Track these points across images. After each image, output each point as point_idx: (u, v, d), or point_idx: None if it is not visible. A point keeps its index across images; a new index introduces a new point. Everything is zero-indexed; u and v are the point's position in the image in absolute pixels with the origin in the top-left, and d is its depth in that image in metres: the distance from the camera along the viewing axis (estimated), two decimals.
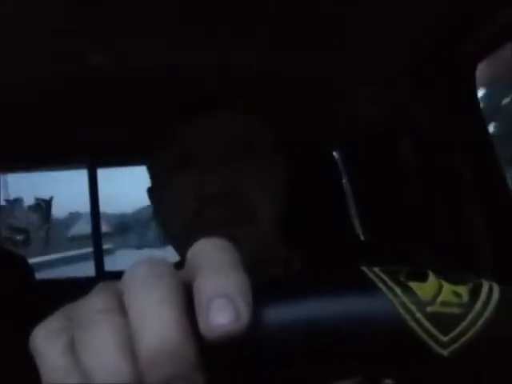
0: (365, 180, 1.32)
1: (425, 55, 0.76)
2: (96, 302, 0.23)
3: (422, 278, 0.22)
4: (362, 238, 1.33)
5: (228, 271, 0.22)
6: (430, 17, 0.65)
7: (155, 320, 0.21)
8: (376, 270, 0.23)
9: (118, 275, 0.25)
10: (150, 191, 0.69)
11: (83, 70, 0.66)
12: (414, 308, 0.21)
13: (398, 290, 0.22)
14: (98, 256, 1.87)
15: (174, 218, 0.61)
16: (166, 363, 0.20)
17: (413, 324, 0.21)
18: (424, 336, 0.21)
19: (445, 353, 0.21)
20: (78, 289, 0.26)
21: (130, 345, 0.21)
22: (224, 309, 0.20)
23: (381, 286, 0.22)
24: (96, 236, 1.88)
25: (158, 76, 0.67)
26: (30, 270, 1.15)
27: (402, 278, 0.22)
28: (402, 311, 0.21)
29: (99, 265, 1.87)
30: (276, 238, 0.63)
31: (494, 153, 0.79)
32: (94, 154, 1.26)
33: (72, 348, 0.22)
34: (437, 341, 0.21)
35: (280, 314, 0.22)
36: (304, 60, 0.70)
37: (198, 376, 0.20)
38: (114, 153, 1.25)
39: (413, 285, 0.22)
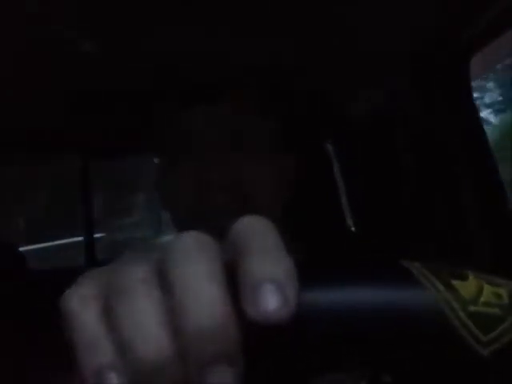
0: (357, 172, 1.32)
1: (420, 48, 0.76)
2: (135, 271, 0.22)
3: (463, 277, 0.23)
4: (353, 229, 1.34)
5: (276, 255, 0.22)
6: (423, 14, 0.66)
7: (203, 295, 0.20)
8: (417, 265, 0.23)
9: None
10: (156, 178, 0.70)
11: (76, 58, 0.66)
12: (456, 306, 0.21)
13: (441, 287, 0.22)
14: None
15: (176, 205, 0.62)
16: (212, 341, 0.20)
17: (455, 321, 0.21)
18: (465, 334, 0.21)
19: (485, 352, 0.21)
20: (69, 278, 0.26)
21: (171, 318, 0.20)
22: (273, 294, 0.20)
23: (423, 280, 0.22)
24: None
25: (157, 65, 0.67)
26: (22, 258, 1.14)
27: (444, 276, 0.22)
28: (445, 308, 0.21)
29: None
30: (277, 227, 0.63)
31: (488, 148, 0.79)
32: (87, 147, 1.26)
33: (108, 315, 0.22)
34: (477, 340, 0.21)
35: (323, 300, 0.22)
36: (299, 50, 0.70)
37: (239, 357, 0.20)
38: (109, 144, 1.24)
39: (455, 283, 0.22)
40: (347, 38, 0.69)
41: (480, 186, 0.78)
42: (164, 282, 0.22)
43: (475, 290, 0.22)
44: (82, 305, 0.22)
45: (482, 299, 0.22)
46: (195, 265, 0.21)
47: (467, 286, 0.22)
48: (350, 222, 1.37)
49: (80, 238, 1.92)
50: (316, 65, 0.78)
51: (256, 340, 0.20)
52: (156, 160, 0.70)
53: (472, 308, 0.21)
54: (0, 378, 0.70)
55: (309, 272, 0.22)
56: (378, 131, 1.15)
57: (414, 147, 0.93)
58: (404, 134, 0.98)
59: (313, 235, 0.74)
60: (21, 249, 1.65)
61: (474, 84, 0.80)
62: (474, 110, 0.80)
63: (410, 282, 0.22)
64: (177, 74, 0.66)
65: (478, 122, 0.80)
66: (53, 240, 4.59)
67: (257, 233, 0.23)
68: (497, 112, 7.97)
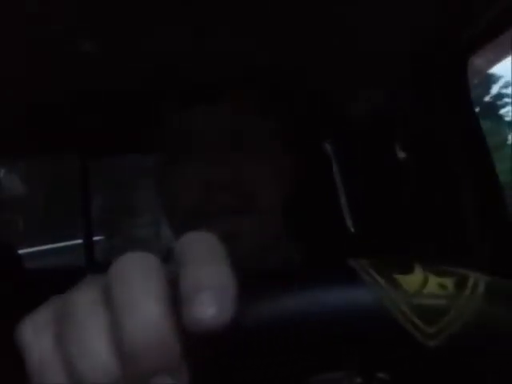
0: (356, 172, 1.32)
1: (419, 48, 0.76)
2: (82, 296, 0.23)
3: (408, 270, 0.23)
4: (352, 230, 1.34)
5: (212, 264, 0.22)
6: (423, 14, 0.66)
7: (138, 312, 0.21)
8: (362, 262, 0.23)
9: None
10: (155, 178, 0.70)
11: (76, 58, 0.66)
12: (399, 300, 0.21)
13: (383, 282, 0.22)
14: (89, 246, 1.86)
15: (177, 206, 0.62)
16: (150, 356, 0.20)
17: (398, 316, 0.21)
18: (409, 327, 0.21)
19: (430, 344, 0.21)
20: (67, 278, 0.26)
21: (116, 338, 0.21)
22: (206, 303, 0.20)
23: (366, 278, 0.22)
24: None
25: (157, 64, 0.67)
26: (18, 260, 1.14)
27: (387, 271, 0.22)
28: (387, 303, 0.21)
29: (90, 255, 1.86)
30: (277, 226, 0.64)
31: (486, 146, 0.79)
32: (86, 145, 1.26)
33: (60, 342, 0.22)
34: (422, 332, 0.21)
35: (264, 306, 0.22)
36: (298, 50, 0.70)
37: (182, 368, 0.21)
38: (107, 144, 1.24)
39: (398, 277, 0.22)
40: (347, 38, 0.69)
41: (478, 186, 0.78)
42: (109, 304, 0.22)
43: (419, 282, 0.22)
44: (35, 333, 0.23)
45: (426, 291, 0.22)
46: (132, 283, 0.21)
47: (411, 279, 0.22)
48: (349, 222, 1.36)
49: (79, 241, 1.92)
50: (316, 65, 0.78)
51: (198, 350, 0.21)
52: (155, 160, 0.70)
53: (415, 301, 0.21)
54: (0, 378, 0.69)
55: (251, 279, 0.23)
56: (378, 131, 1.15)
57: (414, 147, 0.93)
58: (403, 133, 0.98)
59: (312, 235, 0.74)
60: (20, 251, 1.65)
61: None
62: (473, 110, 0.80)
63: (353, 280, 0.22)
64: (177, 74, 0.66)
65: (477, 122, 0.80)
66: (52, 242, 4.59)
67: (195, 246, 0.24)
68: None
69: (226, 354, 0.22)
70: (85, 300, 0.22)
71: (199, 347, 0.21)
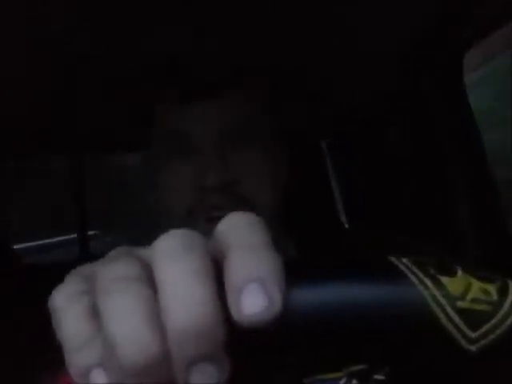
0: (351, 170, 1.32)
1: (413, 43, 0.76)
2: (122, 268, 0.22)
3: (451, 273, 0.22)
4: (347, 225, 1.34)
5: (262, 252, 0.21)
6: (419, 5, 0.66)
7: (189, 295, 0.20)
8: (405, 260, 0.23)
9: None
10: (149, 179, 0.69)
11: (72, 56, 0.66)
12: (444, 302, 0.21)
13: (429, 283, 0.22)
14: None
15: (172, 205, 0.61)
16: (197, 342, 0.19)
17: (442, 318, 0.21)
18: (453, 330, 0.21)
19: (472, 348, 0.21)
20: (63, 272, 0.26)
21: (156, 317, 0.20)
22: (257, 294, 0.20)
23: (411, 276, 0.22)
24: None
25: (152, 65, 0.67)
26: (15, 256, 1.14)
27: (431, 271, 0.22)
28: (432, 304, 0.21)
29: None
30: (274, 227, 0.63)
31: (480, 141, 0.80)
32: (81, 143, 1.26)
33: (94, 313, 0.21)
34: (465, 336, 0.21)
35: (309, 297, 0.21)
36: (297, 50, 0.70)
37: (225, 358, 0.20)
38: (103, 141, 1.24)
39: (443, 279, 0.22)
40: (346, 38, 0.70)
41: (474, 186, 0.78)
42: (149, 281, 0.21)
43: (463, 286, 0.22)
44: (69, 302, 0.22)
45: (470, 295, 0.22)
46: (182, 263, 0.20)
47: (455, 282, 0.22)
48: (343, 218, 1.37)
49: (74, 235, 1.92)
50: (315, 64, 0.78)
51: (242, 340, 0.20)
52: (147, 159, 0.69)
53: (460, 304, 0.21)
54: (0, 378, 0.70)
55: (295, 271, 0.22)
56: (373, 129, 1.15)
57: (410, 145, 0.94)
58: (400, 132, 0.98)
59: (307, 232, 0.75)
60: (15, 247, 1.65)
61: None
62: (470, 109, 0.80)
63: (398, 278, 0.22)
64: (173, 74, 0.66)
65: (474, 122, 0.80)
66: (47, 237, 4.57)
67: (242, 229, 0.22)
68: None
69: (269, 345, 0.21)
70: (124, 273, 0.21)
71: (242, 336, 0.20)
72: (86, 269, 0.25)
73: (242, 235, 0.22)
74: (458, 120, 0.79)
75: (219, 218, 0.24)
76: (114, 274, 0.21)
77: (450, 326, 0.21)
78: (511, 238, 0.79)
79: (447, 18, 0.69)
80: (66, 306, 0.22)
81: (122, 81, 0.74)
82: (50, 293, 0.23)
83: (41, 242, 4.32)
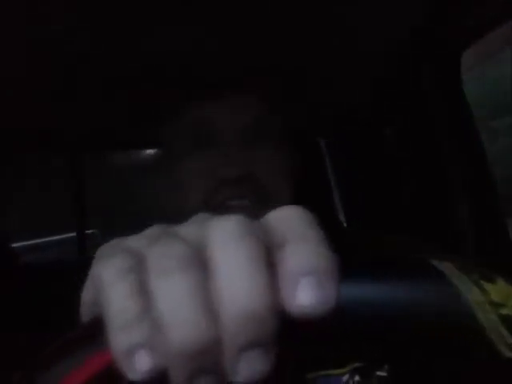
0: (350, 169, 1.32)
1: (412, 43, 0.76)
2: (178, 249, 0.21)
3: (492, 280, 0.22)
4: (345, 224, 1.34)
5: (320, 247, 0.21)
6: (417, 5, 0.66)
7: (247, 281, 0.19)
8: (449, 265, 0.23)
9: None
10: (160, 165, 0.69)
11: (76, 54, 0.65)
12: (488, 308, 0.21)
13: (474, 288, 0.21)
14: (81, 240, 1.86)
15: (188, 196, 0.61)
16: (251, 328, 0.19)
17: (485, 323, 0.21)
18: (495, 337, 0.21)
19: (510, 355, 0.21)
20: (62, 271, 0.25)
21: (209, 301, 0.20)
22: (313, 288, 0.20)
23: (455, 281, 0.22)
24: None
25: (165, 61, 0.67)
26: (13, 256, 1.14)
27: (475, 277, 0.22)
28: (476, 310, 0.21)
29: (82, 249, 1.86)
30: None
31: (480, 141, 0.80)
32: (81, 141, 1.25)
33: (145, 291, 0.21)
34: (505, 343, 0.21)
35: (356, 295, 0.21)
36: (299, 50, 0.71)
37: (273, 346, 0.20)
38: (103, 140, 1.24)
39: (486, 285, 0.22)
40: (345, 38, 0.70)
41: (473, 186, 0.78)
42: (203, 265, 0.21)
43: (505, 293, 0.22)
44: (117, 278, 0.21)
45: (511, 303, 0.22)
46: (240, 249, 0.20)
47: (497, 289, 0.22)
48: (342, 217, 1.37)
49: (73, 234, 1.92)
50: (314, 64, 0.78)
51: (290, 330, 0.20)
52: (159, 156, 0.69)
53: (504, 311, 0.21)
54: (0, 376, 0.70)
55: (344, 267, 0.21)
56: (372, 129, 1.15)
57: (409, 145, 0.94)
58: (399, 132, 0.98)
59: None
60: (14, 245, 1.65)
61: None
62: (469, 109, 0.80)
63: (441, 282, 0.22)
64: (187, 70, 0.66)
65: (473, 121, 0.80)
66: (46, 236, 4.57)
67: (298, 221, 0.22)
68: None
69: (309, 337, 0.21)
70: (178, 254, 0.21)
71: (292, 327, 0.20)
72: (129, 244, 0.24)
73: (299, 227, 0.22)
74: (457, 120, 0.79)
75: (235, 208, 0.23)
76: (167, 255, 0.21)
77: (492, 333, 0.21)
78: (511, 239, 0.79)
79: (446, 18, 0.69)
80: (114, 281, 0.21)
81: (144, 78, 0.73)
82: (49, 291, 0.23)
83: (39, 241, 4.31)
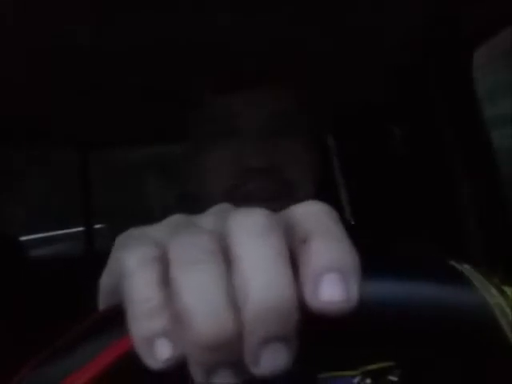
0: (356, 165, 1.32)
1: (420, 40, 0.76)
2: (203, 241, 0.21)
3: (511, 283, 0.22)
4: (352, 222, 1.34)
5: (344, 244, 0.21)
6: (427, 12, 0.66)
7: (271, 274, 0.19)
8: (467, 267, 0.22)
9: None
10: (185, 154, 0.69)
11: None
12: (509, 311, 0.21)
13: (495, 291, 0.21)
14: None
15: (212, 185, 0.61)
16: (274, 321, 0.19)
17: (505, 326, 0.21)
18: None
19: None
20: (68, 266, 0.25)
21: (231, 293, 0.20)
22: (337, 285, 0.19)
23: (476, 283, 0.21)
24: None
25: (194, 52, 0.67)
26: (23, 250, 1.14)
27: (495, 280, 0.22)
28: (497, 312, 0.21)
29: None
30: None
31: (490, 142, 0.79)
32: (87, 136, 1.26)
33: (166, 282, 0.21)
34: None
35: (378, 293, 0.21)
36: (303, 39, 0.70)
37: (295, 341, 0.20)
38: (109, 134, 1.25)
39: (506, 289, 0.22)
40: (350, 36, 0.70)
41: (479, 183, 0.78)
42: (225, 257, 0.21)
43: None
44: (141, 266, 0.21)
45: None
46: (265, 242, 0.20)
47: None
48: (348, 214, 1.37)
49: (80, 229, 1.92)
50: (325, 58, 0.78)
51: (311, 325, 0.20)
52: (182, 147, 0.70)
53: None
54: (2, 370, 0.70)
55: (364, 265, 0.21)
56: (378, 126, 1.15)
57: (414, 142, 0.93)
58: (404, 128, 0.98)
59: None
60: (21, 238, 1.66)
61: None
62: (480, 110, 0.80)
63: (462, 284, 0.22)
64: (215, 60, 0.66)
65: (483, 122, 0.80)
66: (52, 230, 4.60)
67: (322, 217, 0.22)
68: None
69: (334, 336, 0.21)
70: (202, 246, 0.21)
71: (311, 324, 0.20)
72: (151, 234, 0.24)
73: (323, 223, 0.22)
74: (466, 120, 0.79)
75: (258, 198, 0.23)
76: (191, 246, 0.21)
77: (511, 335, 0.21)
78: None
79: (457, 17, 0.69)
80: (139, 269, 0.21)
81: (170, 68, 0.73)
82: (57, 284, 0.23)
83: (46, 235, 4.34)
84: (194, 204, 0.66)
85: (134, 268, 0.21)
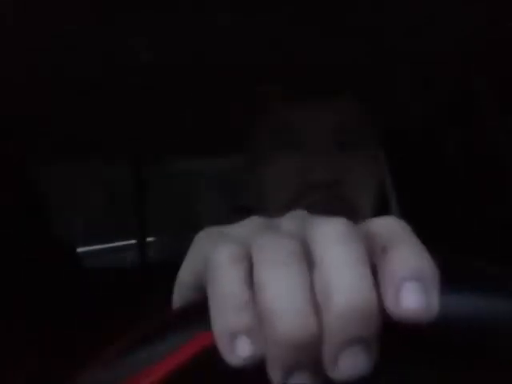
0: (408, 178, 1.30)
1: (472, 50, 0.74)
2: (288, 243, 0.22)
3: None
4: None
5: (424, 254, 0.21)
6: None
7: (354, 278, 0.20)
8: None
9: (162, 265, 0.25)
10: (246, 166, 0.69)
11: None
12: None
13: None
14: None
15: (273, 197, 0.61)
16: (356, 322, 0.19)
17: None
18: None
19: None
20: (123, 278, 0.26)
21: (314, 296, 0.20)
22: (419, 293, 0.20)
23: None
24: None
25: (265, 63, 0.68)
26: (79, 259, 1.18)
27: None
28: None
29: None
30: None
31: None
32: (140, 151, 1.28)
33: (251, 281, 0.21)
34: None
35: (455, 304, 0.21)
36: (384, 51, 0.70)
37: (376, 345, 0.20)
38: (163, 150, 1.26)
39: None
40: (415, 44, 0.69)
41: None
42: (309, 260, 0.21)
43: None
44: (231, 264, 0.22)
45: None
46: (348, 249, 0.21)
47: None
48: None
49: (134, 241, 1.97)
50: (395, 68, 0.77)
51: (388, 332, 0.20)
52: (245, 158, 0.70)
53: None
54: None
55: (444, 276, 0.21)
56: (429, 137, 1.13)
57: (466, 150, 0.91)
58: (458, 144, 0.95)
59: None
60: (78, 250, 1.70)
61: None
62: None
63: None
64: (280, 72, 0.66)
65: None
66: (109, 242, 4.70)
67: (401, 229, 0.22)
68: None
69: (414, 344, 0.21)
70: (289, 248, 0.21)
71: (389, 330, 0.20)
72: (234, 233, 0.25)
73: (401, 234, 0.22)
74: None
75: (319, 214, 0.24)
76: (277, 247, 0.21)
77: None
78: None
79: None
80: (227, 265, 0.22)
81: (234, 80, 0.74)
82: (112, 295, 0.23)
83: (102, 247, 4.44)
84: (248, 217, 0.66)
85: (223, 263, 0.22)
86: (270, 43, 0.64)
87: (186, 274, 0.26)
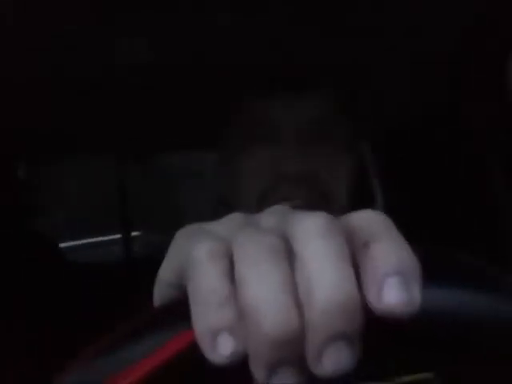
0: (395, 176, 1.30)
1: (468, 45, 0.74)
2: (264, 239, 0.22)
3: None
4: None
5: (406, 249, 0.21)
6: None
7: (336, 273, 0.20)
8: None
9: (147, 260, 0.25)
10: (221, 156, 0.69)
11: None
12: None
13: None
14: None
15: (246, 191, 0.61)
16: (339, 317, 0.19)
17: None
18: None
19: None
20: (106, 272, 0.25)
21: (296, 291, 0.20)
22: (400, 288, 0.20)
23: None
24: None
25: (238, 58, 0.67)
26: (62, 255, 1.17)
27: None
28: None
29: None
30: None
31: None
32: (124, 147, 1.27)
33: (232, 278, 0.21)
34: None
35: (438, 298, 0.21)
36: (360, 45, 0.70)
37: (359, 340, 0.20)
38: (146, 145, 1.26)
39: None
40: (409, 40, 0.69)
41: None
42: (289, 256, 0.21)
43: None
44: (211, 259, 0.22)
45: None
46: (329, 244, 0.21)
47: None
48: None
49: (118, 236, 1.96)
50: (379, 64, 0.77)
51: (370, 328, 0.20)
52: (220, 150, 0.69)
53: None
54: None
55: (426, 269, 0.21)
56: (422, 134, 1.13)
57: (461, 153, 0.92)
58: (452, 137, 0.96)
59: None
60: (60, 245, 1.69)
61: None
62: None
63: None
64: (253, 68, 0.66)
65: None
66: (91, 237, 4.67)
67: (383, 223, 0.22)
68: None
69: (397, 339, 0.21)
70: (270, 244, 0.21)
71: (371, 326, 0.20)
72: (214, 230, 0.25)
73: (382, 228, 0.22)
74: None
75: (291, 206, 0.24)
76: (257, 244, 0.21)
77: None
78: None
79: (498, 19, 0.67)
80: (207, 262, 0.22)
81: (208, 75, 0.73)
82: (97, 290, 0.23)
83: (85, 241, 4.41)
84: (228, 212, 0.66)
85: (203, 260, 0.22)
86: (270, 43, 0.64)
87: (166, 272, 0.26)
